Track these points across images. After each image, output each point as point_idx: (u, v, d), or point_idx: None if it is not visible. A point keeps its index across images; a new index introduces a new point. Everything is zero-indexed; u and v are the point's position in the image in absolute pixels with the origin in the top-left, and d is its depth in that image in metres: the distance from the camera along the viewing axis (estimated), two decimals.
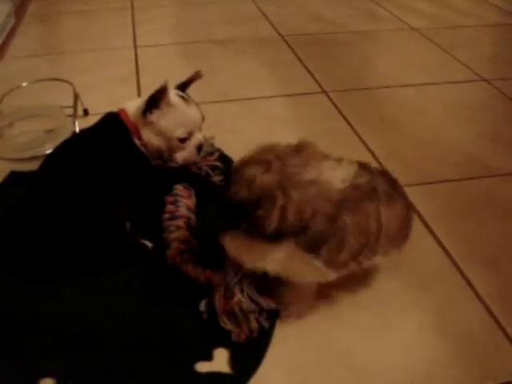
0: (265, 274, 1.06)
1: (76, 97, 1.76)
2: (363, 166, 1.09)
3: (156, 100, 1.32)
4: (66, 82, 1.84)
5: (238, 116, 1.89)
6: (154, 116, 1.33)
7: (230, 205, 0.99)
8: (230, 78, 2.18)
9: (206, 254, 1.20)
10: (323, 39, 2.60)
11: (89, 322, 1.11)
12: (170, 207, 1.30)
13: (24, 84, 1.88)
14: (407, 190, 1.44)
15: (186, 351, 1.06)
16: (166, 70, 2.25)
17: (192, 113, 1.38)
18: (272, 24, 2.78)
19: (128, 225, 1.27)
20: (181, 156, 1.39)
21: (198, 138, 1.40)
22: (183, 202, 1.31)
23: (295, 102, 2.00)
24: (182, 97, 1.39)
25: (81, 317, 1.12)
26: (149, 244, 1.27)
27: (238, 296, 1.07)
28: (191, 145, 1.39)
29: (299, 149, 1.03)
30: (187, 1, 3.21)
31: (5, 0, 2.62)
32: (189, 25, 2.80)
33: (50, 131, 1.69)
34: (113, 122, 1.36)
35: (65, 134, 1.62)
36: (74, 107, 1.72)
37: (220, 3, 3.13)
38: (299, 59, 2.36)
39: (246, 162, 1.00)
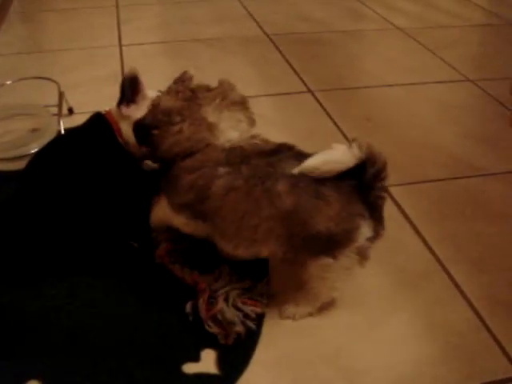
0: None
1: (61, 95, 1.74)
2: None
3: (129, 91, 1.31)
4: (51, 80, 1.82)
5: None
6: (131, 110, 1.31)
7: (138, 128, 1.15)
8: (216, 77, 2.16)
9: (194, 254, 1.20)
10: (309, 38, 2.60)
11: (76, 322, 1.10)
12: None
13: (8, 82, 1.86)
14: (394, 189, 1.46)
15: (173, 352, 1.05)
16: (151, 69, 2.23)
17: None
18: (258, 23, 2.78)
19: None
20: None
21: None
22: None
23: (281, 101, 2.00)
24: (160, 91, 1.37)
25: (68, 317, 1.11)
26: (135, 245, 1.26)
27: (220, 305, 1.08)
28: None
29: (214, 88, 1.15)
30: (172, 1, 3.19)
31: None
32: (174, 24, 2.78)
33: (34, 130, 1.67)
34: (98, 122, 1.35)
35: (50, 133, 1.60)
36: (59, 106, 1.70)
37: (206, 2, 3.12)
38: (285, 58, 2.35)
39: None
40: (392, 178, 1.51)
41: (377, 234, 1.04)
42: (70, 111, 1.83)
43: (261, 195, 1.00)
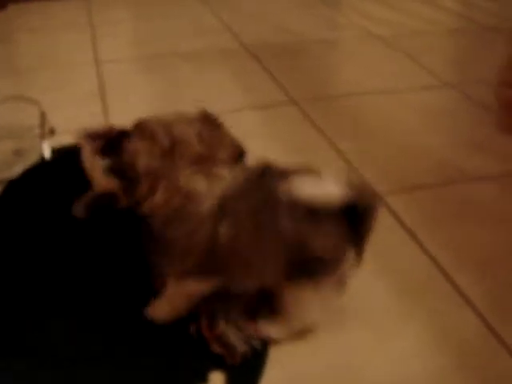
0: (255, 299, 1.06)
1: (43, 116, 1.70)
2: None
3: None
4: (31, 100, 1.78)
5: None
6: None
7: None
8: (197, 91, 2.15)
9: None
10: (288, 49, 2.59)
11: (78, 346, 1.07)
12: None
13: None
14: (388, 199, 1.45)
15: (181, 373, 1.02)
16: (131, 85, 2.21)
17: None
18: (236, 35, 2.76)
19: None
20: None
21: None
22: None
23: (265, 113, 1.98)
24: None
25: (70, 342, 1.08)
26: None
27: (221, 327, 1.05)
28: None
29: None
30: (146, 15, 3.18)
31: None
32: (150, 39, 2.76)
33: (17, 152, 1.63)
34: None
35: (34, 155, 1.57)
36: (42, 127, 1.66)
37: (180, 16, 3.10)
38: (266, 70, 2.34)
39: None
40: (384, 186, 1.53)
41: (356, 262, 1.01)
42: (52, 131, 1.78)
43: (263, 228, 0.96)
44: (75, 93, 2.13)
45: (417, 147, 1.77)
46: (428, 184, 1.58)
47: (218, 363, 1.03)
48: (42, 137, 1.63)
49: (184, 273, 1.01)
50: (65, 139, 1.73)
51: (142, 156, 1.00)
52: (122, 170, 1.01)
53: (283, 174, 0.98)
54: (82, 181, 1.21)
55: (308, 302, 1.04)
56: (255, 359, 1.04)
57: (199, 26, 2.92)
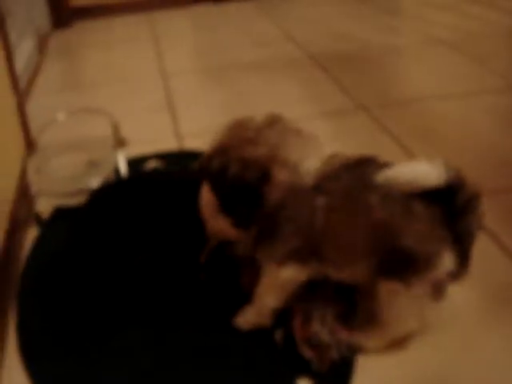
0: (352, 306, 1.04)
1: (115, 127, 1.72)
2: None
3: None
4: (103, 112, 1.80)
5: None
6: None
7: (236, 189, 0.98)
8: (264, 99, 2.14)
9: None
10: (352, 56, 2.57)
11: (155, 358, 1.06)
12: None
13: (60, 117, 1.85)
14: None
15: (267, 378, 1.01)
16: (198, 95, 2.22)
17: None
18: (299, 44, 2.76)
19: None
20: None
21: None
22: None
23: (335, 120, 1.96)
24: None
25: (149, 352, 1.08)
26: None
27: (315, 326, 1.02)
28: None
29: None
30: (207, 27, 3.21)
31: (29, 35, 2.61)
32: (214, 50, 2.78)
33: (91, 164, 1.64)
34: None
35: (108, 166, 1.58)
36: (115, 137, 1.68)
37: (242, 28, 3.12)
38: (332, 78, 2.32)
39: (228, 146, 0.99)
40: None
41: (459, 271, 0.95)
42: (124, 142, 1.80)
43: (353, 208, 0.94)
44: (143, 104, 2.16)
45: (491, 151, 1.72)
46: (505, 187, 1.53)
47: (305, 369, 1.01)
48: (116, 148, 1.64)
49: (284, 257, 0.99)
50: (136, 150, 1.75)
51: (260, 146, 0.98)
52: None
53: (381, 165, 0.96)
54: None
55: (403, 309, 1.00)
56: (343, 366, 1.01)
57: (262, 37, 2.92)
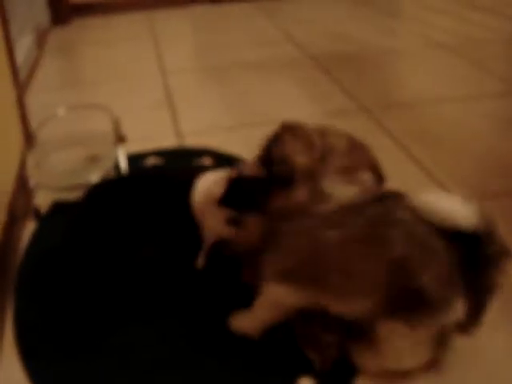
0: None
1: (116, 122, 1.70)
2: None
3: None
4: (104, 108, 1.79)
5: None
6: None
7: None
8: (264, 99, 2.14)
9: None
10: (353, 58, 2.56)
11: (156, 355, 1.05)
12: None
13: (60, 111, 1.83)
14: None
15: (268, 380, 0.99)
16: (197, 94, 2.21)
17: None
18: (299, 45, 2.75)
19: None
20: None
21: None
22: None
23: (336, 121, 1.95)
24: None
25: (147, 351, 1.06)
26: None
27: (317, 325, 1.01)
28: None
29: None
30: (207, 27, 3.20)
31: (27, 32, 2.59)
32: (213, 50, 2.77)
33: (91, 159, 1.63)
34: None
35: (108, 162, 1.56)
36: (116, 132, 1.66)
37: (242, 28, 3.11)
38: (332, 79, 2.31)
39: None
40: (462, 194, 1.47)
41: (469, 324, 0.92)
42: (123, 139, 1.78)
43: (372, 241, 0.91)
44: (143, 102, 2.15)
45: (490, 154, 1.71)
46: (505, 191, 1.52)
47: (307, 368, 1.00)
48: (116, 143, 1.63)
49: (285, 273, 0.98)
50: (136, 147, 1.74)
51: (300, 155, 0.98)
52: (274, 162, 0.99)
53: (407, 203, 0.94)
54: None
55: (402, 349, 0.96)
56: (346, 365, 1.00)
57: (262, 37, 2.92)
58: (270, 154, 1.00)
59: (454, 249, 0.88)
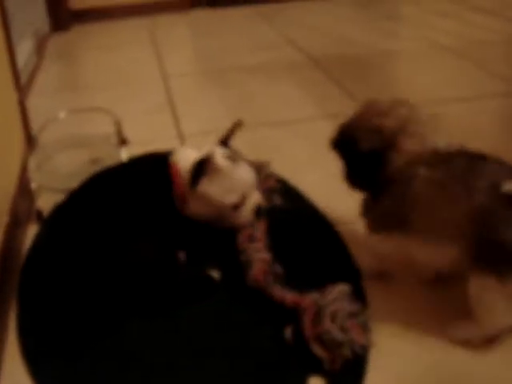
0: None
1: (118, 125, 1.69)
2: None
3: (201, 170, 1.16)
4: (105, 111, 1.78)
5: (282, 139, 1.83)
6: (202, 185, 1.16)
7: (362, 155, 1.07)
8: (266, 101, 2.13)
9: (289, 278, 1.12)
10: (354, 60, 2.55)
11: (171, 357, 1.03)
12: (247, 230, 1.21)
13: (61, 115, 1.81)
14: None
15: (277, 381, 0.98)
16: (198, 97, 2.20)
17: (242, 174, 1.21)
18: (300, 48, 2.74)
19: (182, 256, 1.22)
20: (237, 222, 1.23)
21: (254, 199, 1.22)
22: (259, 225, 1.23)
23: (338, 122, 1.93)
24: (229, 157, 1.20)
25: (162, 353, 1.04)
26: (215, 275, 1.19)
27: (327, 324, 0.99)
28: (247, 208, 1.21)
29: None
30: (207, 32, 3.19)
31: (27, 37, 2.58)
32: (214, 54, 2.76)
33: (94, 161, 1.61)
34: (160, 177, 1.21)
35: (111, 163, 1.54)
36: (118, 135, 1.65)
37: (242, 33, 3.11)
38: (335, 81, 2.30)
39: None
40: None
41: None
42: (125, 142, 1.77)
43: (458, 188, 0.95)
44: (144, 106, 2.14)
45: (495, 154, 1.70)
46: None
47: (317, 368, 0.98)
48: (118, 146, 1.62)
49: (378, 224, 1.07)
50: (137, 150, 1.72)
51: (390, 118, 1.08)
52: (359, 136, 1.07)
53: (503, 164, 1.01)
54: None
55: (495, 307, 0.97)
56: (356, 365, 0.98)
57: (262, 41, 2.91)
58: (351, 129, 1.11)
59: None
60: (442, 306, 1.12)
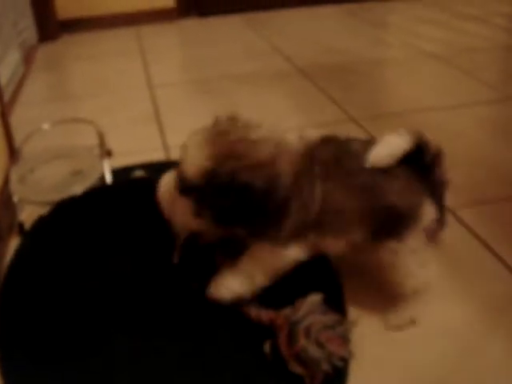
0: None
1: (101, 136, 1.68)
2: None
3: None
4: (89, 122, 1.77)
5: None
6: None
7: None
8: (253, 111, 2.11)
9: (266, 293, 1.10)
10: (341, 69, 2.55)
11: (142, 369, 1.02)
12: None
13: (45, 126, 1.81)
14: (462, 212, 1.39)
15: None
16: (185, 107, 2.20)
17: None
18: (287, 57, 2.74)
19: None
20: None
21: None
22: None
23: (326, 131, 1.92)
24: None
25: (133, 365, 1.03)
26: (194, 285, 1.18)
27: (302, 342, 0.97)
28: None
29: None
30: (194, 41, 3.19)
31: (14, 48, 2.57)
32: (201, 63, 2.75)
33: (76, 173, 1.60)
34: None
35: (93, 175, 1.54)
36: (101, 147, 1.64)
37: (229, 42, 3.10)
38: (321, 90, 2.30)
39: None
40: (457, 200, 1.46)
41: (441, 218, 1.04)
42: (109, 153, 1.76)
43: (345, 176, 1.00)
44: (129, 116, 2.13)
45: (482, 161, 1.70)
46: (501, 197, 1.51)
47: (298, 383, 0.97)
48: (102, 157, 1.61)
49: (288, 237, 1.01)
50: (122, 161, 1.72)
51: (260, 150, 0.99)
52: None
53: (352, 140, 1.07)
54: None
55: (407, 265, 1.05)
56: (336, 380, 0.97)
57: (249, 50, 2.91)
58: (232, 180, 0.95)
59: (403, 165, 1.00)
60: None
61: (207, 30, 3.39)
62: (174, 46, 3.12)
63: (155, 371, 1.01)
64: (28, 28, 3.05)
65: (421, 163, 1.01)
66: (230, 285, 1.08)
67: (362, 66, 2.59)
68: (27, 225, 1.45)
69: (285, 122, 1.98)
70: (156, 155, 1.80)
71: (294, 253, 1.03)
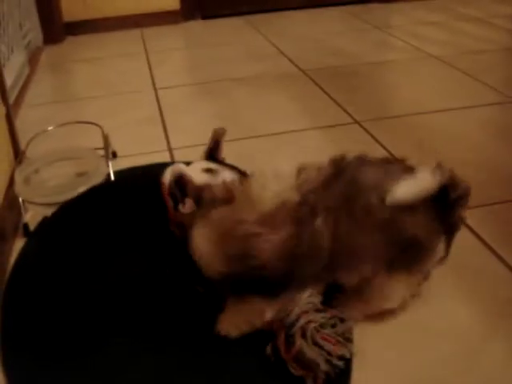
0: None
1: (106, 138, 1.69)
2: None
3: (178, 193, 1.10)
4: (94, 124, 1.78)
5: (271, 151, 1.82)
6: (187, 206, 1.08)
7: None
8: (257, 113, 2.13)
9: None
10: (344, 71, 2.56)
11: (142, 369, 1.02)
12: None
13: (50, 128, 1.82)
14: (465, 215, 1.39)
15: None
16: (189, 109, 2.20)
17: None
18: (291, 60, 2.75)
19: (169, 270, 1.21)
20: None
21: None
22: None
23: (329, 133, 1.94)
24: (208, 170, 1.16)
25: (134, 366, 1.03)
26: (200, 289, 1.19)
27: (298, 343, 0.98)
28: None
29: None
30: (198, 43, 3.20)
31: (19, 50, 2.59)
32: (205, 65, 2.76)
33: (81, 174, 1.62)
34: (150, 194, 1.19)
35: (99, 176, 1.54)
36: (106, 148, 1.65)
37: (233, 44, 3.11)
38: (325, 92, 2.31)
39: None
40: None
41: (445, 256, 1.04)
42: (114, 155, 1.77)
43: (359, 214, 0.95)
44: (134, 118, 2.14)
45: (485, 164, 1.70)
46: (503, 199, 1.51)
47: None
48: (106, 158, 1.62)
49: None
50: (127, 162, 1.73)
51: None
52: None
53: (363, 162, 1.02)
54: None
55: (395, 292, 1.06)
56: (339, 380, 0.98)
57: (253, 53, 2.92)
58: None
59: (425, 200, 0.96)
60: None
61: (211, 32, 3.41)
62: (178, 48, 3.13)
63: (155, 371, 1.02)
64: (33, 30, 3.07)
65: (444, 201, 0.97)
66: (238, 322, 1.06)
67: (365, 67, 2.59)
68: (32, 226, 1.46)
69: (288, 125, 1.99)
70: (161, 157, 1.81)
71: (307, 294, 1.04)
